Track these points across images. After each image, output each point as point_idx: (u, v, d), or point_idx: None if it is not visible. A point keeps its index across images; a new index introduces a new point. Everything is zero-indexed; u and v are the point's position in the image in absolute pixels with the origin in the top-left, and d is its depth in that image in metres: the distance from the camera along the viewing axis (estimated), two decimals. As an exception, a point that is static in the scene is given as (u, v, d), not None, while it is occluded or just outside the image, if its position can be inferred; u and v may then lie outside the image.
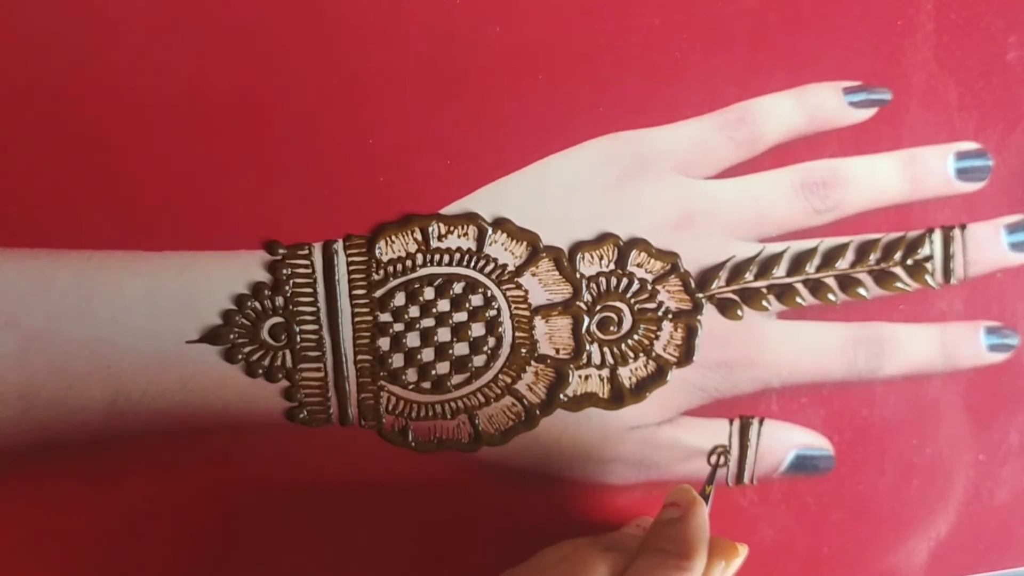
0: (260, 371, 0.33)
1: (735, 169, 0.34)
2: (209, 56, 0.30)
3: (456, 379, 0.34)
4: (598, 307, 0.34)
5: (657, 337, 0.35)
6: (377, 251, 0.33)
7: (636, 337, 0.35)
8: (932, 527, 0.39)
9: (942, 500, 0.38)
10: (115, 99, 0.30)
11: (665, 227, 0.34)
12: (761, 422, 0.36)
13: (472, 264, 0.33)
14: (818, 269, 0.35)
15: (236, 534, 0.34)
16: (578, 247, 0.34)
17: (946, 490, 0.38)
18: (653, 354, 0.35)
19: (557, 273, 0.34)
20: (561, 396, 0.35)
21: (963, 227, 0.36)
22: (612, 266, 0.34)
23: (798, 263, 0.35)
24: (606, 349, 0.35)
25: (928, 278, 0.36)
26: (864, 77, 0.34)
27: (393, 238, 0.33)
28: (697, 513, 0.30)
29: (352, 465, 0.34)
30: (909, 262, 0.36)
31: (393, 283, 0.33)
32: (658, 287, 0.34)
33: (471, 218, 0.33)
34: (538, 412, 0.35)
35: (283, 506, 0.34)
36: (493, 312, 0.34)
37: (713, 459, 0.36)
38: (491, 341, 0.34)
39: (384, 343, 0.33)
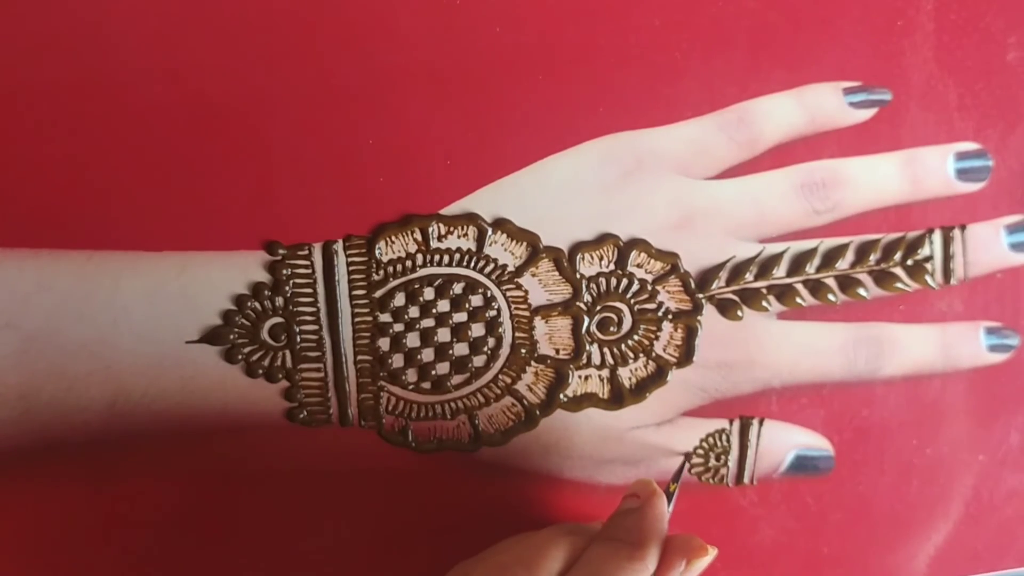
0: (260, 371, 0.33)
1: (735, 169, 0.34)
2: (209, 56, 0.30)
3: (456, 379, 0.34)
4: (598, 307, 0.34)
5: (657, 337, 0.35)
6: (377, 251, 0.33)
7: (636, 337, 0.35)
8: (932, 527, 0.39)
9: (942, 500, 0.38)
10: (115, 99, 0.30)
11: (665, 227, 0.34)
12: (761, 422, 0.36)
13: (472, 264, 0.33)
14: (818, 270, 0.35)
15: (236, 534, 0.34)
16: (578, 247, 0.34)
17: (946, 490, 0.38)
18: (653, 354, 0.35)
19: (557, 273, 0.34)
20: (561, 396, 0.35)
21: (963, 227, 0.36)
22: (612, 266, 0.34)
23: (798, 264, 0.35)
24: (606, 349, 0.35)
25: (928, 278, 0.36)
26: (864, 77, 0.34)
27: (393, 238, 0.33)
28: (654, 505, 0.30)
29: (352, 465, 0.34)
30: (909, 262, 0.36)
31: (393, 283, 0.33)
32: (658, 287, 0.34)
33: (471, 218, 0.33)
34: (538, 412, 0.35)
35: (283, 506, 0.34)
36: (493, 312, 0.34)
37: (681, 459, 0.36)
38: (491, 341, 0.34)
39: (384, 343, 0.33)
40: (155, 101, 0.30)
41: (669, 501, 0.31)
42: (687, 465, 0.36)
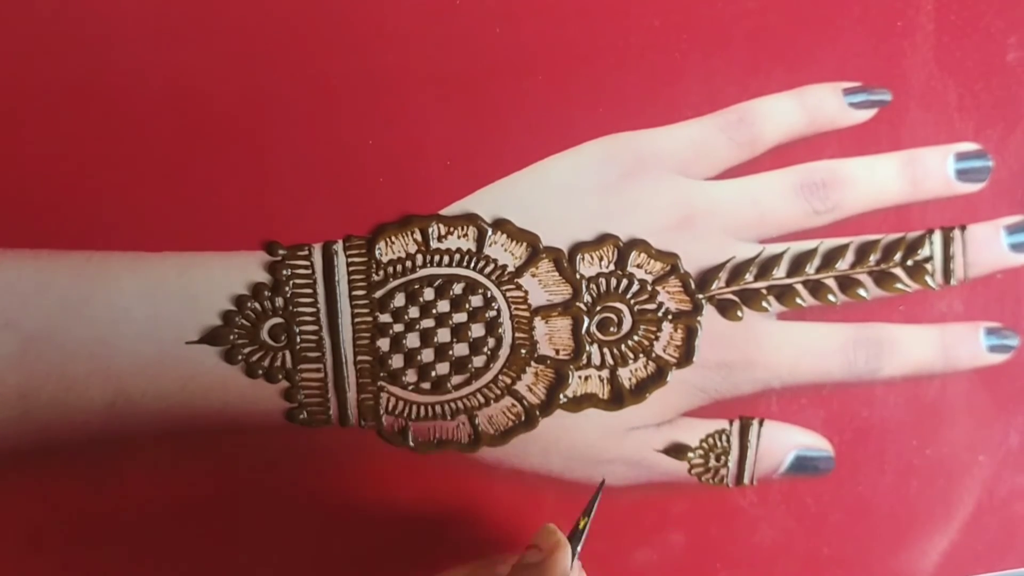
0: (260, 372, 0.33)
1: (735, 170, 0.34)
2: (209, 57, 0.30)
3: (456, 380, 0.34)
4: (598, 308, 0.34)
5: (657, 338, 0.35)
6: (377, 252, 0.33)
7: (636, 338, 0.35)
8: (932, 528, 0.39)
9: (942, 501, 0.38)
10: (115, 99, 0.30)
11: (665, 228, 0.34)
12: (761, 423, 0.36)
13: (472, 265, 0.33)
14: (818, 270, 0.35)
15: (236, 534, 0.34)
16: (578, 248, 0.34)
17: (946, 491, 0.38)
18: (653, 355, 0.35)
19: (557, 274, 0.34)
20: (561, 397, 0.35)
21: (963, 228, 0.36)
22: (612, 267, 0.34)
23: (798, 264, 0.35)
24: (606, 350, 0.35)
25: (928, 279, 0.36)
26: (864, 78, 0.34)
27: (393, 239, 0.33)
28: (557, 560, 0.28)
29: (352, 466, 0.34)
30: (909, 263, 0.36)
31: (393, 284, 0.33)
32: (658, 288, 0.34)
33: (471, 219, 0.33)
34: (538, 413, 0.35)
35: (283, 506, 0.34)
36: (493, 313, 0.34)
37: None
38: (491, 342, 0.34)
39: (384, 344, 0.33)
40: (155, 102, 0.30)
41: (580, 538, 0.30)
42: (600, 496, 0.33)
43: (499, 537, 0.35)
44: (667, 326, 0.35)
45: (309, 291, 0.33)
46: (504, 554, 0.33)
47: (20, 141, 0.30)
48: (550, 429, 0.35)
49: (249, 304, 0.32)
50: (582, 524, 0.31)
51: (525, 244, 0.33)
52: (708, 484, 0.37)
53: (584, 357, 0.34)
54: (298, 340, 0.33)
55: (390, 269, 0.33)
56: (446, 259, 0.33)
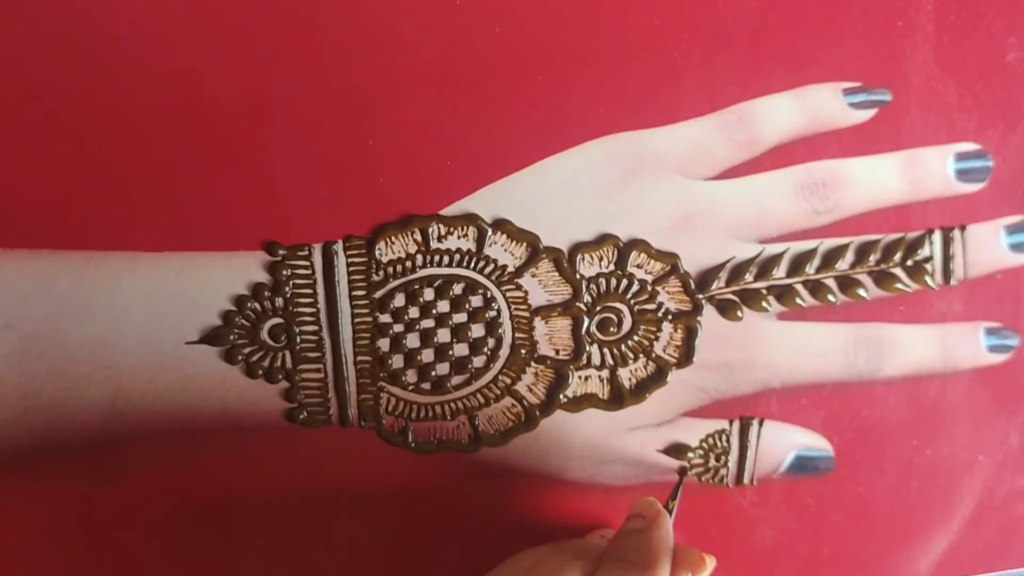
0: (260, 372, 0.33)
1: (735, 170, 0.34)
2: (209, 56, 0.30)
3: (456, 380, 0.34)
4: (598, 308, 0.34)
5: (657, 338, 0.35)
6: (377, 252, 0.33)
7: (636, 338, 0.35)
8: (932, 528, 0.39)
9: (942, 501, 0.38)
10: (115, 99, 0.30)
11: (665, 228, 0.34)
12: (761, 423, 0.36)
13: (472, 265, 0.33)
14: (818, 270, 0.35)
15: (236, 535, 0.34)
16: (578, 248, 0.34)
17: (946, 491, 0.38)
18: (653, 355, 0.35)
19: (557, 274, 0.34)
20: (561, 397, 0.35)
21: (963, 228, 0.36)
22: (612, 267, 0.34)
23: (798, 264, 0.35)
24: (606, 350, 0.35)
25: (928, 279, 0.36)
26: (864, 78, 0.34)
27: (393, 239, 0.33)
28: (661, 524, 0.30)
29: (352, 466, 0.34)
30: (909, 263, 0.36)
31: (393, 284, 0.33)
32: (658, 288, 0.34)
33: (471, 219, 0.33)
34: (538, 413, 0.35)
35: (283, 507, 0.34)
36: (493, 313, 0.34)
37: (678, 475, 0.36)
38: (491, 342, 0.34)
39: (384, 344, 0.33)
40: (155, 101, 0.30)
41: (670, 516, 0.31)
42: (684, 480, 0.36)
43: (499, 537, 0.35)
44: (667, 326, 0.35)
45: (309, 291, 0.33)
46: (573, 540, 0.33)
47: (20, 141, 0.30)
48: (550, 429, 0.35)
49: (249, 304, 0.32)
50: (671, 505, 0.33)
51: (525, 244, 0.33)
52: (708, 484, 0.37)
53: (584, 357, 0.34)
54: (298, 340, 0.33)
55: (390, 269, 0.33)
56: (446, 259, 0.33)
